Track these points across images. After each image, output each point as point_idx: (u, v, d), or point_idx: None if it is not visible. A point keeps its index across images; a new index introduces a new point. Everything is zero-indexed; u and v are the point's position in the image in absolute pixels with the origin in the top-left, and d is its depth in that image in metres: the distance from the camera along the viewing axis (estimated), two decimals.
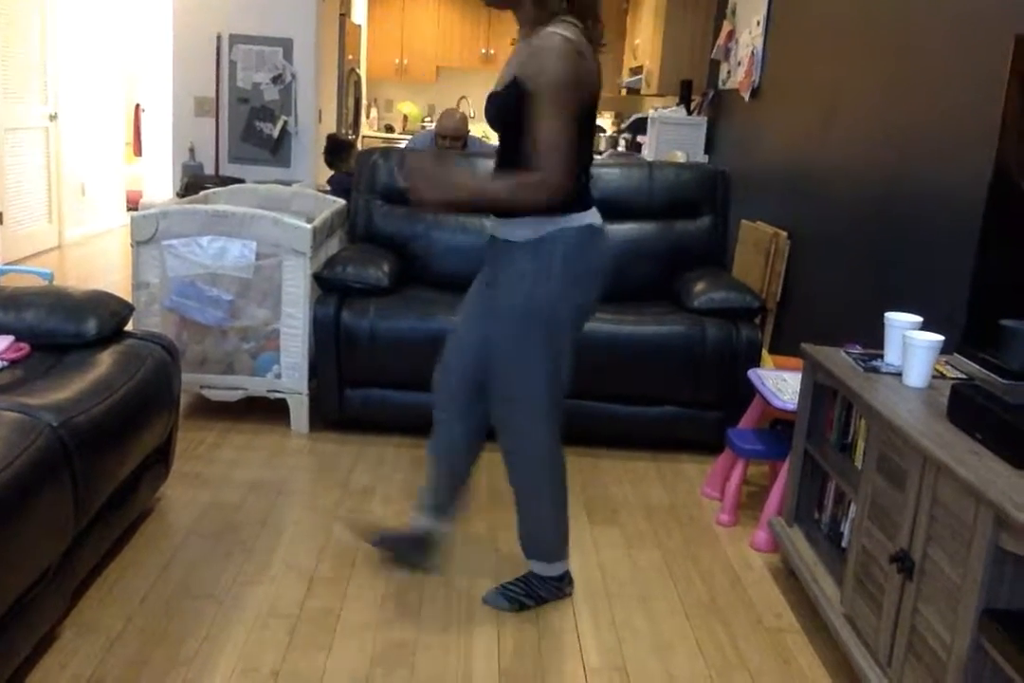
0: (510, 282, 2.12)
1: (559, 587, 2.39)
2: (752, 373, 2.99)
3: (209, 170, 5.94)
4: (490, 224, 2.22)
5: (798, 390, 2.60)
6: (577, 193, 2.09)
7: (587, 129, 2.10)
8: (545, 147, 1.96)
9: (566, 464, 2.32)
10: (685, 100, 5.83)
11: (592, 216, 2.15)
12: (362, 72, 8.73)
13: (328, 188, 5.02)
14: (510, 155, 2.11)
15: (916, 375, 2.13)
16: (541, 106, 1.96)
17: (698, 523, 2.93)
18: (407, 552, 2.47)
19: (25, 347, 2.47)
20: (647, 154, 5.96)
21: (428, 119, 9.78)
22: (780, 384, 2.86)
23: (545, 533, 2.32)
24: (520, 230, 2.10)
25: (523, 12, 2.06)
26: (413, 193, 2.03)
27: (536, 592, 2.36)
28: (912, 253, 2.95)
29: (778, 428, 3.06)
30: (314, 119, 6.00)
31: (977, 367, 2.28)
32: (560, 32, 1.96)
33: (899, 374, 2.20)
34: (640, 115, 6.75)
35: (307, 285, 3.33)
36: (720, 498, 3.08)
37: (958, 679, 1.62)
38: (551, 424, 2.23)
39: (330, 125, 6.79)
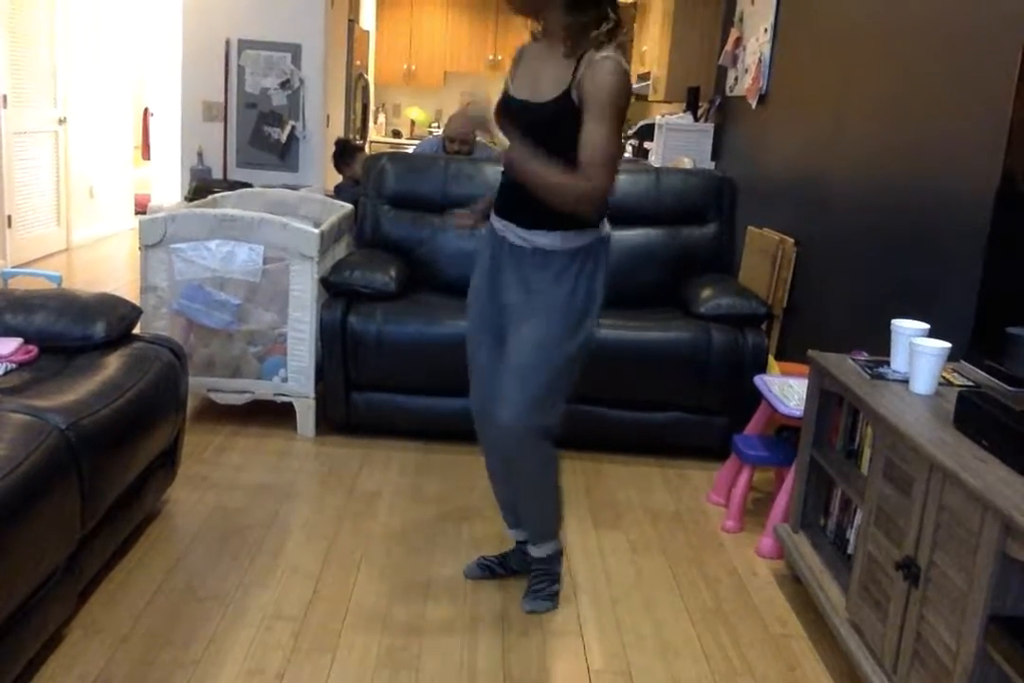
0: (556, 284, 2.19)
1: (561, 551, 2.46)
2: (758, 379, 2.99)
3: (217, 174, 5.96)
4: (514, 233, 2.22)
5: (804, 396, 2.60)
6: (606, 204, 2.23)
7: None
8: (601, 158, 2.04)
9: None
10: (692, 106, 5.84)
11: (607, 224, 2.28)
12: (370, 77, 8.76)
13: (334, 194, 5.03)
14: (556, 159, 2.14)
15: (923, 382, 2.13)
16: (602, 119, 2.03)
17: (703, 529, 2.92)
18: (519, 565, 2.51)
19: (34, 350, 2.48)
20: (654, 160, 5.96)
21: (436, 124, 9.80)
22: (786, 390, 2.86)
23: (555, 515, 2.39)
24: (569, 239, 2.18)
25: (553, 21, 2.10)
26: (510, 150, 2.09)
27: (554, 571, 2.43)
28: (919, 260, 2.95)
29: (784, 434, 3.06)
30: (322, 124, 6.02)
31: (984, 374, 2.28)
32: (617, 56, 2.05)
33: (906, 381, 2.20)
34: (647, 121, 6.76)
35: (314, 289, 3.34)
36: (726, 504, 3.07)
37: None
38: (558, 416, 2.29)
39: (338, 130, 6.81)
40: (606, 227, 2.26)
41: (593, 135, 2.03)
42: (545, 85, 2.11)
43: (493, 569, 2.51)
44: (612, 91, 2.03)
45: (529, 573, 2.45)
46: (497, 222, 2.26)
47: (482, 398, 2.34)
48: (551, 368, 2.19)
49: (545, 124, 2.11)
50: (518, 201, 2.20)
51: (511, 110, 2.17)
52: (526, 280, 2.23)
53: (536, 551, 2.42)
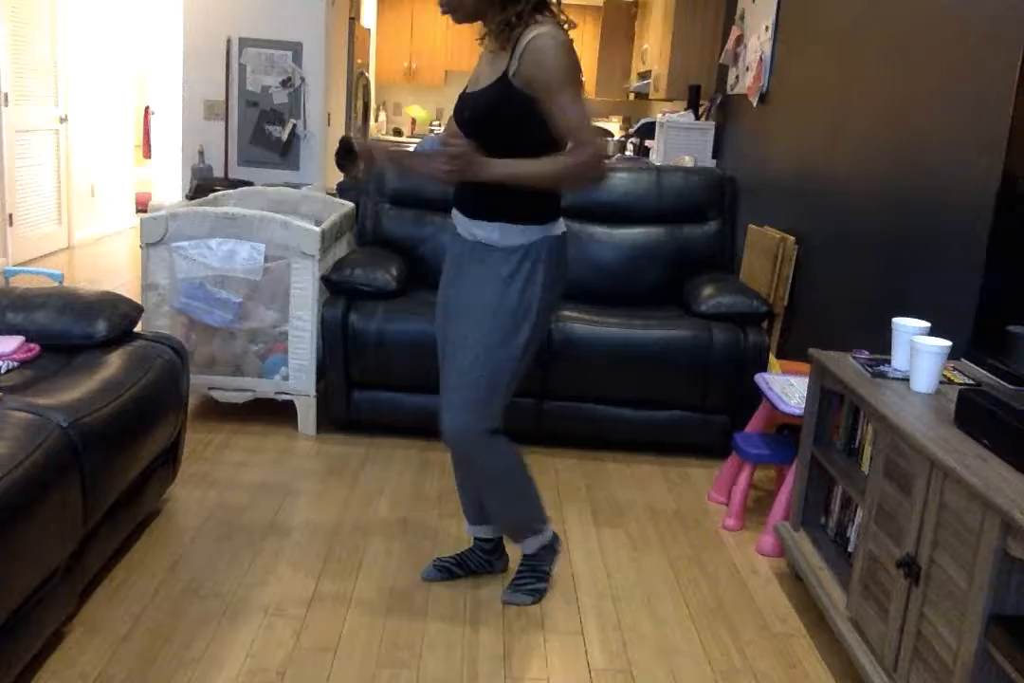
0: (490, 283, 2.13)
1: (554, 550, 2.44)
2: (759, 378, 2.99)
3: (218, 173, 5.95)
4: (461, 224, 2.20)
5: (805, 395, 2.60)
6: (556, 201, 2.17)
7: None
8: (579, 123, 1.99)
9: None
10: (693, 105, 5.84)
11: (563, 224, 2.22)
12: (371, 75, 8.76)
13: (336, 192, 5.03)
14: (498, 154, 2.12)
15: (923, 380, 2.13)
16: (561, 90, 1.99)
17: (704, 527, 2.93)
18: (477, 564, 2.51)
19: (35, 348, 2.48)
20: (655, 159, 5.96)
21: (436, 123, 9.80)
22: (787, 389, 2.86)
23: (528, 510, 2.34)
24: (507, 235, 2.12)
25: (490, 20, 2.09)
26: (451, 173, 1.99)
27: (541, 569, 2.41)
28: (920, 258, 2.95)
29: (785, 433, 3.06)
30: (323, 122, 6.02)
31: (985, 373, 2.28)
32: (548, 30, 2.00)
33: (906, 379, 2.20)
34: (648, 119, 6.76)
35: (315, 287, 3.34)
36: (726, 502, 3.08)
37: None
38: (502, 415, 2.21)
39: (339, 128, 6.81)
40: (559, 226, 2.18)
41: (562, 106, 1.98)
42: (485, 77, 2.11)
43: (451, 570, 2.48)
44: (556, 63, 1.98)
45: (513, 572, 2.45)
46: (454, 211, 2.25)
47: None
48: (485, 371, 2.12)
49: (483, 109, 2.09)
50: (465, 191, 2.18)
51: (460, 108, 2.17)
52: (464, 274, 2.20)
53: (522, 547, 2.41)
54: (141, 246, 3.36)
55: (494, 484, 2.27)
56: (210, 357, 3.44)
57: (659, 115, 6.17)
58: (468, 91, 2.18)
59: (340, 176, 5.32)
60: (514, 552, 2.49)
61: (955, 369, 2.34)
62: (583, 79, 2.06)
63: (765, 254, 4.32)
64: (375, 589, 2.42)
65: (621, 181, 3.80)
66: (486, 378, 2.12)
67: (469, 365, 2.13)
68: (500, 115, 2.07)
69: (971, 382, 2.23)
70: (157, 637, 2.14)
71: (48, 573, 1.90)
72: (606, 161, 2.04)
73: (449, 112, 8.84)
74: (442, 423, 2.16)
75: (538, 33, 2.00)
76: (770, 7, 4.77)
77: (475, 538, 2.50)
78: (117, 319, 2.59)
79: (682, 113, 5.85)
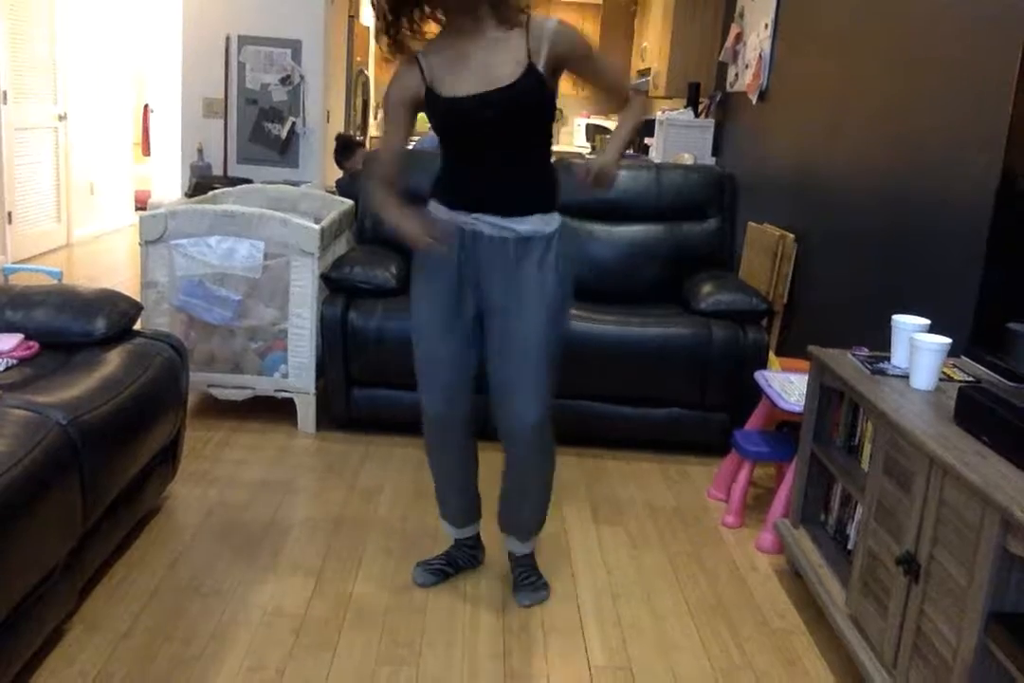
0: (540, 271, 2.18)
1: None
2: (759, 375, 2.99)
3: (217, 170, 5.95)
4: (491, 226, 2.16)
5: (805, 392, 2.60)
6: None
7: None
8: (625, 76, 2.24)
9: None
10: (693, 102, 5.83)
11: None
12: (370, 73, 8.74)
13: (335, 190, 5.03)
14: (527, 141, 2.16)
15: (923, 378, 2.13)
16: (603, 57, 2.19)
17: (704, 525, 2.93)
18: (465, 561, 2.53)
19: (34, 345, 2.48)
20: (654, 156, 5.96)
21: None
22: (787, 386, 2.86)
23: (544, 510, 2.41)
24: (547, 224, 2.19)
25: (481, 14, 2.09)
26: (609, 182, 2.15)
27: (537, 566, 2.49)
28: (920, 255, 2.95)
29: (784, 430, 3.06)
30: (322, 120, 6.02)
31: (984, 370, 2.28)
32: (554, 18, 2.16)
33: (906, 377, 2.20)
34: (647, 117, 6.76)
35: (315, 285, 3.34)
36: (726, 500, 3.08)
37: (964, 682, 1.62)
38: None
39: (338, 126, 6.80)
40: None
41: (607, 64, 2.19)
42: (501, 70, 2.07)
43: (445, 571, 2.48)
44: (584, 38, 2.17)
45: (513, 571, 2.46)
46: (464, 217, 2.18)
47: (448, 397, 2.28)
48: (551, 357, 2.20)
49: (520, 103, 2.09)
50: (491, 191, 2.15)
51: (464, 110, 2.10)
52: (510, 271, 2.17)
53: (523, 548, 2.43)
54: (140, 244, 3.36)
55: (540, 478, 2.33)
56: (209, 355, 3.44)
57: (659, 113, 6.16)
58: (485, 90, 2.08)
59: (339, 173, 5.31)
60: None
61: (955, 366, 2.34)
62: None
63: (764, 251, 4.32)
64: (374, 587, 2.42)
65: (620, 179, 3.79)
66: (550, 366, 2.21)
67: (539, 356, 2.18)
68: (536, 103, 2.12)
69: (971, 379, 2.23)
70: (157, 635, 2.14)
71: (48, 571, 1.90)
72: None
73: None
74: (518, 418, 2.20)
75: (556, 21, 2.12)
76: (769, 5, 4.77)
77: (460, 538, 2.51)
78: (116, 317, 2.59)
79: (681, 111, 5.84)
